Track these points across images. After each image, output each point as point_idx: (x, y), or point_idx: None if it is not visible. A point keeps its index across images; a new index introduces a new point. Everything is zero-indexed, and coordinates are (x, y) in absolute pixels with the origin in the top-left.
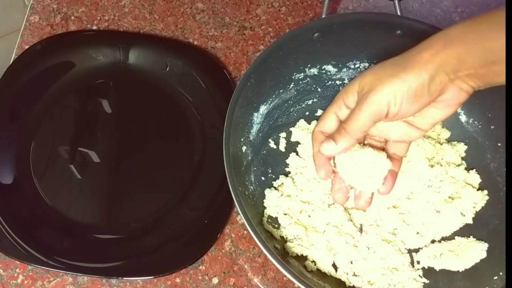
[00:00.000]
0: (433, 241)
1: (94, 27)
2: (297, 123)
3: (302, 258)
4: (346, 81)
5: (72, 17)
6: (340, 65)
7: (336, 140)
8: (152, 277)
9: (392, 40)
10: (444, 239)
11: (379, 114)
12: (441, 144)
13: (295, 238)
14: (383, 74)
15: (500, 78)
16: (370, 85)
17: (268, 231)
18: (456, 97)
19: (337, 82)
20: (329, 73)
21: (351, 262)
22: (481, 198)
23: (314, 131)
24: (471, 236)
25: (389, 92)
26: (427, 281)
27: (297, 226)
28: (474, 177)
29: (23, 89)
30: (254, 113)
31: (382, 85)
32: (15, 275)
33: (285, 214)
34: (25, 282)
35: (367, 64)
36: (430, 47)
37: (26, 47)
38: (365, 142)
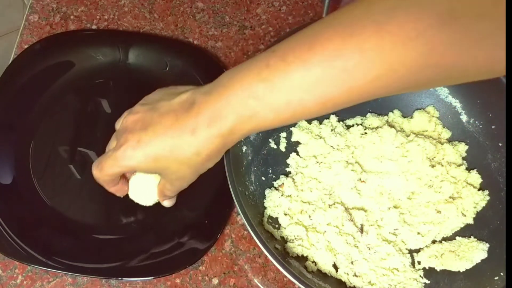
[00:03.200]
0: (434, 241)
1: (94, 27)
2: (298, 123)
3: (302, 259)
4: None
5: (72, 17)
6: None
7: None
8: (152, 277)
9: None
10: (445, 239)
11: None
12: (442, 144)
13: (295, 239)
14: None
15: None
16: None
17: (268, 232)
18: None
19: None
20: None
21: (352, 263)
22: (482, 198)
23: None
24: (472, 236)
25: None
26: (428, 282)
27: (297, 226)
28: (475, 177)
29: (23, 89)
30: None
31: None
32: (14, 275)
33: (286, 215)
34: (24, 282)
35: None
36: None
37: (26, 46)
38: None
